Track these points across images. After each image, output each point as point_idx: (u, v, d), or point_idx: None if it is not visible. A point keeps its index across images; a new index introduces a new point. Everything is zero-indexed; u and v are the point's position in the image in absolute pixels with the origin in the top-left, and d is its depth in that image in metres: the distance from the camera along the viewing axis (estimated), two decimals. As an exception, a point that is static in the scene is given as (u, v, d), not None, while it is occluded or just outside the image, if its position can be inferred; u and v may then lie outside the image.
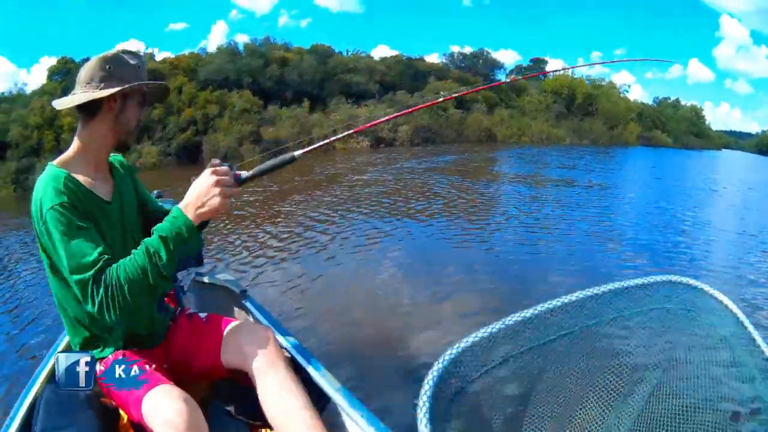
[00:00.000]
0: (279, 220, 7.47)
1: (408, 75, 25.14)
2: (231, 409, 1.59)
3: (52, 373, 1.48)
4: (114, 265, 1.15)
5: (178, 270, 1.41)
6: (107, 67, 1.30)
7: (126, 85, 1.29)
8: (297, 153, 1.31)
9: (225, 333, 1.50)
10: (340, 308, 3.87)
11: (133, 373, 1.31)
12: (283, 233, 6.46)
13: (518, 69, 31.65)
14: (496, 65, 29.02)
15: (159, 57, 27.32)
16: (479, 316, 3.56)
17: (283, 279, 4.62)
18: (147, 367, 1.33)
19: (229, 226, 7.01)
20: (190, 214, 1.17)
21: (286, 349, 1.61)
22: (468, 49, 28.11)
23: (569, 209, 8.39)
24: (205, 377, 1.58)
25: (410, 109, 1.66)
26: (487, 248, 5.79)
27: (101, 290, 1.13)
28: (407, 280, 4.54)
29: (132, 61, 1.33)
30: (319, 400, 1.47)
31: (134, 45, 33.44)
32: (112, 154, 1.47)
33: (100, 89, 1.29)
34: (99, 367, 1.35)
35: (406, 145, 19.71)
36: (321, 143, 1.41)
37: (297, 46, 26.26)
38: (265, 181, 11.96)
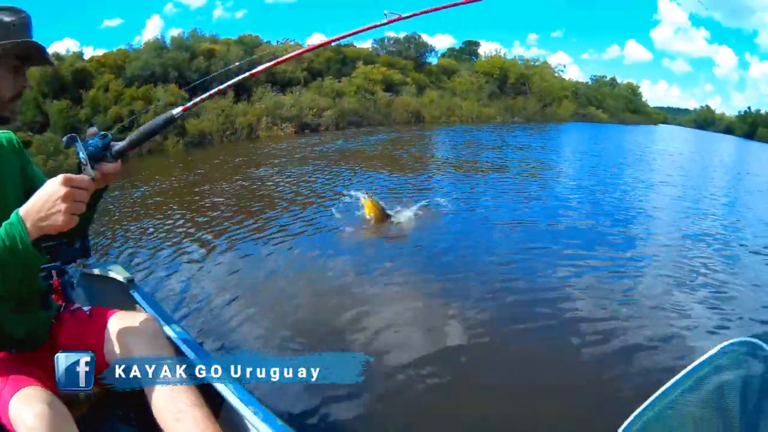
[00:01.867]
0: (180, 210, 7.16)
1: (336, 61, 24.88)
2: (125, 413, 1.52)
3: None
4: None
5: (64, 263, 1.23)
6: None
7: None
8: (175, 111, 1.16)
9: (107, 325, 1.40)
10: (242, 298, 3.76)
11: (4, 376, 1.19)
12: (181, 223, 6.23)
13: (450, 52, 31.80)
14: (427, 48, 28.97)
15: (88, 55, 26.37)
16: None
17: (181, 270, 4.48)
18: (22, 369, 1.22)
19: (127, 215, 6.79)
20: (29, 223, 1.00)
21: (173, 340, 1.50)
22: (402, 35, 28.00)
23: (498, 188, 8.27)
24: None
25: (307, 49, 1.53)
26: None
27: None
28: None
29: (6, 19, 1.15)
30: (213, 398, 1.37)
31: (69, 43, 32.32)
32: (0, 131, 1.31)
33: None
34: None
35: (331, 130, 19.47)
36: (204, 96, 1.28)
37: (225, 38, 25.74)
38: (171, 172, 11.72)
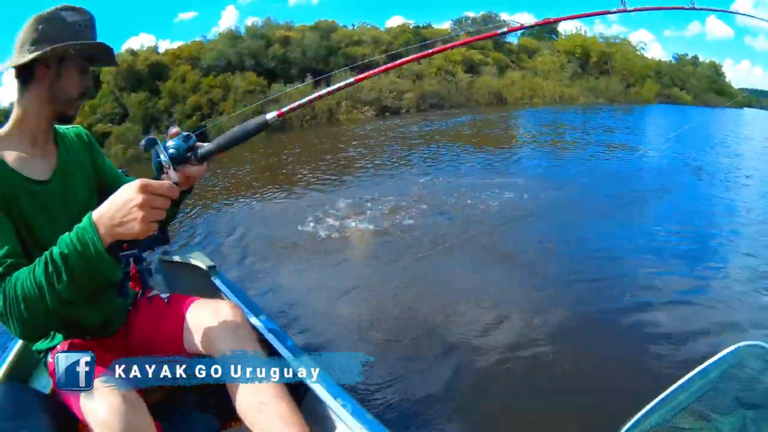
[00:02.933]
0: (264, 193, 7.15)
1: (414, 43, 24.55)
2: (201, 402, 1.49)
3: (10, 372, 1.44)
4: (14, 275, 0.97)
5: (141, 250, 1.12)
6: (39, 27, 1.12)
7: (47, 48, 1.09)
8: (269, 116, 1.06)
9: (187, 314, 1.35)
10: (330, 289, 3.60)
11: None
12: (267, 207, 6.19)
13: (530, 30, 30.63)
14: (506, 27, 27.97)
15: (164, 49, 27.25)
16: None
17: (266, 257, 4.34)
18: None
19: (208, 200, 6.83)
20: (102, 230, 0.91)
21: (258, 330, 1.46)
22: (480, 14, 27.29)
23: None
24: None
25: (400, 62, 1.35)
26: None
27: (0, 301, 0.95)
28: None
29: (71, 19, 1.14)
30: (297, 387, 1.34)
31: (145, 38, 33.49)
32: (69, 126, 1.31)
33: (30, 53, 1.11)
34: (50, 360, 1.24)
35: (412, 113, 19.11)
36: (299, 102, 1.14)
37: (300, 24, 25.90)
38: (251, 152, 11.75)
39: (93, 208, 0.97)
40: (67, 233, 0.95)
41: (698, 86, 31.66)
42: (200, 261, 2.02)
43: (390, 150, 10.38)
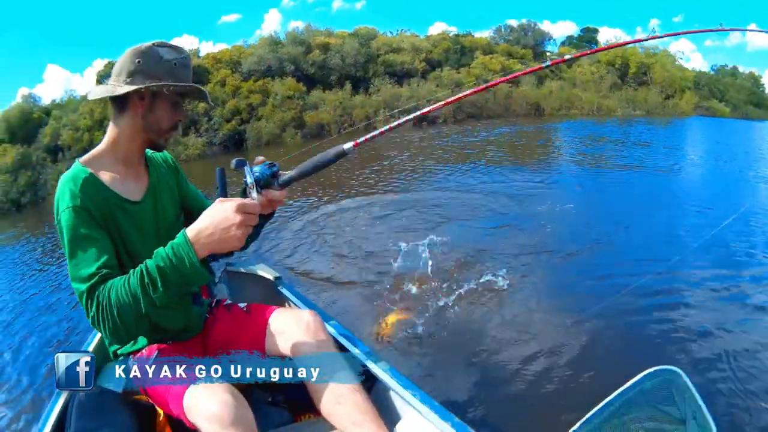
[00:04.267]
0: (310, 204, 7.23)
1: (454, 51, 24.68)
2: (273, 397, 1.61)
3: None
4: (109, 283, 1.09)
5: (210, 261, 1.25)
6: (137, 61, 1.21)
7: (142, 85, 1.19)
8: (347, 146, 1.15)
9: (270, 320, 1.46)
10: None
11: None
12: (314, 218, 6.26)
13: (569, 40, 30.55)
14: (545, 37, 28.02)
15: (206, 50, 27.80)
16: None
17: (321, 268, 4.42)
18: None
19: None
20: (198, 246, 1.04)
21: (332, 334, 1.56)
22: (520, 22, 27.35)
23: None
24: None
25: (466, 93, 1.41)
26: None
27: (93, 306, 1.07)
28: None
29: (167, 57, 1.23)
30: (366, 380, 1.43)
31: (187, 40, 34.17)
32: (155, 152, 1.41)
33: (126, 84, 1.21)
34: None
35: (449, 122, 19.30)
36: (375, 133, 1.26)
37: (340, 30, 26.27)
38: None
39: (179, 227, 1.13)
40: (162, 248, 1.06)
41: (737, 98, 31.03)
42: (266, 272, 2.13)
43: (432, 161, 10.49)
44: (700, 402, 1.51)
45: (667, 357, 2.90)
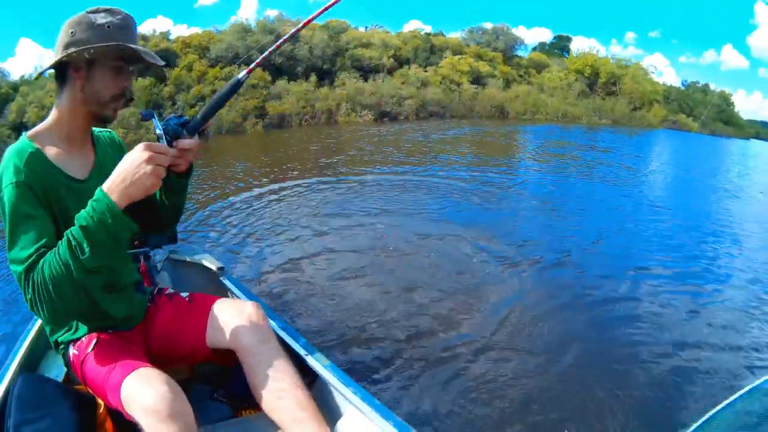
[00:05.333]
0: (262, 193, 7.03)
1: (423, 50, 24.41)
2: (213, 391, 1.60)
3: (24, 362, 1.48)
4: (42, 260, 1.04)
5: (152, 248, 1.39)
6: (71, 32, 1.15)
7: (64, 53, 1.14)
8: (241, 75, 1.14)
9: (212, 311, 1.45)
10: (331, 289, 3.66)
11: (110, 357, 1.25)
12: (265, 206, 6.10)
13: (542, 47, 30.57)
14: (517, 41, 27.94)
15: (178, 35, 27.26)
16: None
17: (264, 255, 4.39)
18: (125, 349, 1.28)
19: (208, 197, 6.70)
20: (114, 195, 1.02)
21: (273, 328, 1.53)
22: (491, 25, 27.18)
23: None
24: (186, 360, 1.54)
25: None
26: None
27: (30, 287, 1.04)
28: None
29: (101, 21, 1.15)
30: (306, 376, 1.45)
31: (161, 22, 33.53)
32: (103, 129, 1.40)
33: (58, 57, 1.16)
34: (72, 351, 1.31)
35: (411, 120, 19.02)
36: (263, 55, 1.19)
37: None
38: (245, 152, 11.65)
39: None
40: (81, 211, 1.04)
41: (706, 114, 31.47)
42: (210, 262, 2.11)
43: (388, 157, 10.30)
44: None
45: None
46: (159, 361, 1.33)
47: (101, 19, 1.15)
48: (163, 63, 1.32)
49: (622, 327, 3.28)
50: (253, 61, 1.14)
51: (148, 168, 1.01)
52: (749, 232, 6.23)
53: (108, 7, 1.18)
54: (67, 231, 1.03)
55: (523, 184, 8.06)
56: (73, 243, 1.02)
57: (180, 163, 1.17)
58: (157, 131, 1.10)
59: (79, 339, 1.32)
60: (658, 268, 4.40)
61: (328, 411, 1.43)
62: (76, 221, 1.03)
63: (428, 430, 2.22)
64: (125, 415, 1.15)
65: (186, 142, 1.13)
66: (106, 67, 1.18)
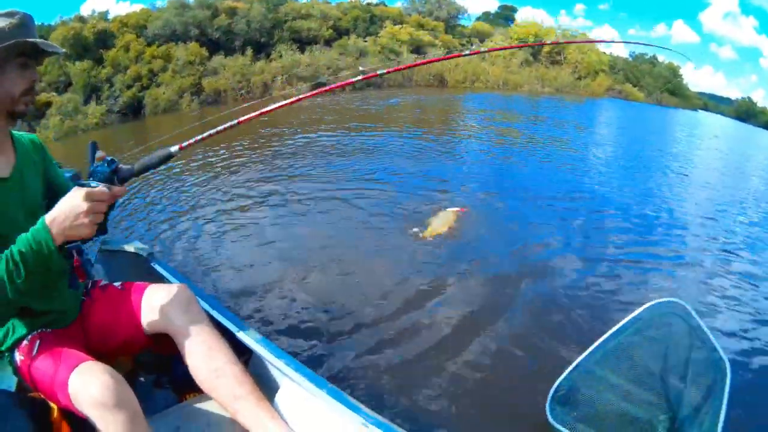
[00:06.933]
0: (192, 175, 6.92)
1: (363, 20, 24.01)
2: (157, 380, 1.68)
3: None
4: None
5: (83, 242, 1.28)
6: None
7: None
8: (173, 149, 1.30)
9: (143, 298, 1.49)
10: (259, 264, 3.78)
11: (54, 356, 1.26)
12: (195, 190, 6.06)
13: (486, 16, 30.44)
14: (460, 11, 27.73)
15: (124, 11, 26.32)
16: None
17: (193, 235, 4.47)
18: (67, 346, 1.30)
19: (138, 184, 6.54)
20: (54, 230, 1.09)
21: (203, 306, 1.55)
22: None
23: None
24: (127, 349, 1.56)
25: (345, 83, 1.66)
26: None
27: None
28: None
29: (0, 25, 1.20)
30: (242, 354, 1.51)
31: (103, 1, 32.30)
32: (23, 133, 1.43)
33: None
34: (19, 357, 1.32)
35: (348, 91, 18.68)
36: (201, 136, 1.38)
37: (253, -6, 25.20)
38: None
39: (45, 208, 1.17)
40: (24, 234, 1.09)
41: (653, 85, 31.89)
42: (138, 249, 2.15)
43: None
44: (706, 331, 1.64)
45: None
46: (101, 354, 1.36)
47: (1, 23, 1.20)
48: (63, 51, 1.36)
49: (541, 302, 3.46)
50: (190, 139, 1.34)
51: (86, 220, 1.09)
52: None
53: (6, 10, 1.23)
54: (7, 250, 1.09)
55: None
56: (11, 266, 1.07)
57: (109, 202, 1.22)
58: (93, 186, 1.14)
59: (21, 342, 1.33)
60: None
61: (266, 385, 1.48)
62: (17, 242, 1.09)
63: (359, 395, 2.30)
64: (77, 413, 1.18)
65: (117, 190, 1.19)
66: (12, 66, 1.24)
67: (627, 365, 1.73)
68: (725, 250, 4.72)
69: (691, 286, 3.81)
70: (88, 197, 1.09)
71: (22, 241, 1.09)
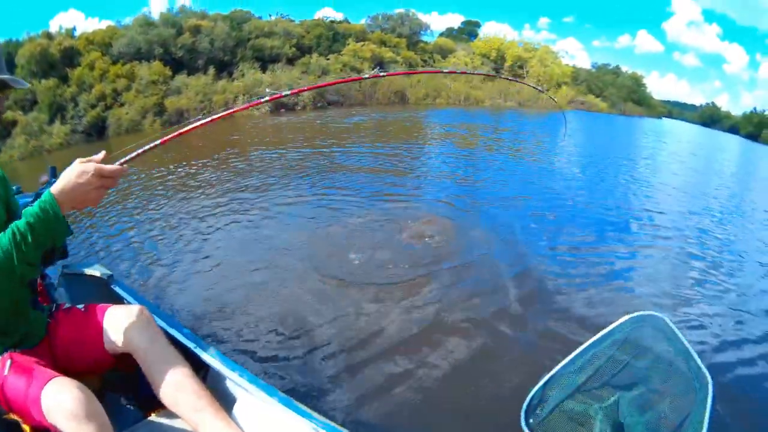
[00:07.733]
0: (153, 195, 6.97)
1: (326, 38, 24.18)
2: (124, 397, 1.73)
3: None
4: None
5: (45, 266, 1.48)
6: None
7: None
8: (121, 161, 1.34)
9: (105, 319, 1.55)
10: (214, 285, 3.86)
11: (25, 375, 1.29)
12: (155, 211, 6.10)
13: (449, 32, 30.81)
14: (422, 27, 28.04)
15: (93, 27, 26.05)
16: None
17: (152, 256, 4.54)
18: (36, 364, 1.34)
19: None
20: (62, 201, 1.20)
21: (161, 326, 1.62)
22: (396, 11, 27.18)
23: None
24: (93, 368, 1.58)
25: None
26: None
27: None
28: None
29: None
30: (199, 369, 1.58)
31: (72, 16, 31.83)
32: None
33: None
34: None
35: (309, 109, 18.83)
36: (140, 150, 1.42)
37: (214, 13, 25.16)
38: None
39: (4, 228, 1.22)
40: (28, 208, 1.21)
41: (617, 95, 32.56)
42: (98, 271, 2.19)
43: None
44: (686, 343, 1.65)
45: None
46: (69, 373, 1.37)
47: None
48: (27, 85, 1.46)
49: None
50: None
51: (98, 194, 1.24)
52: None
53: None
54: (12, 224, 1.18)
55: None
56: (18, 236, 1.17)
57: None
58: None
59: None
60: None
61: (223, 398, 1.55)
62: (23, 216, 1.19)
63: (315, 404, 2.41)
64: (51, 429, 1.22)
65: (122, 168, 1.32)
66: None
67: (603, 377, 1.73)
68: (702, 258, 4.94)
69: (666, 299, 3.93)
70: (99, 172, 1.22)
71: (29, 212, 1.19)
